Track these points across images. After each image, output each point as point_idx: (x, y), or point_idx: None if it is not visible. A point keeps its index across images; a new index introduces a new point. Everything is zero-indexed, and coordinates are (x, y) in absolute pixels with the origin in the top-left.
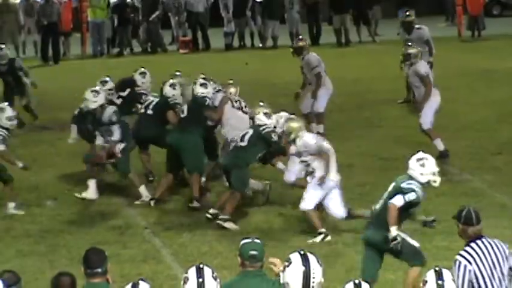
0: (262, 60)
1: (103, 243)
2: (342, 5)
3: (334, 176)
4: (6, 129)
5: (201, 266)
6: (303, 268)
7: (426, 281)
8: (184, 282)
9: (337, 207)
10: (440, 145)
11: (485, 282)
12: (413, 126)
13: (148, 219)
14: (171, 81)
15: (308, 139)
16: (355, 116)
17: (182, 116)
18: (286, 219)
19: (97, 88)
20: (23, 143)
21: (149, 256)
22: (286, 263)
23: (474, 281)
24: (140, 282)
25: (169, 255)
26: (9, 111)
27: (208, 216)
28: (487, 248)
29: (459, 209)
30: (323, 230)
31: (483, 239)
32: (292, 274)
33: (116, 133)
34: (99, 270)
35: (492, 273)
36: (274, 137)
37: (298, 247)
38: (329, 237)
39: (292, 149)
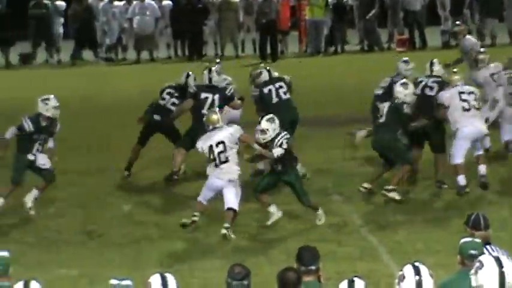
0: None
1: (319, 241)
2: None
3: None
4: None
5: (417, 263)
6: (498, 269)
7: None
8: (400, 280)
9: (229, 200)
10: None
11: None
12: None
13: (364, 217)
14: (213, 68)
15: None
16: None
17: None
18: None
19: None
20: None
21: (365, 253)
22: (478, 264)
23: None
24: (355, 279)
25: (385, 253)
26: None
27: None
28: (497, 253)
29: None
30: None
31: (491, 245)
32: (487, 276)
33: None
34: (312, 267)
35: None
36: (406, 109)
37: None
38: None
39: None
